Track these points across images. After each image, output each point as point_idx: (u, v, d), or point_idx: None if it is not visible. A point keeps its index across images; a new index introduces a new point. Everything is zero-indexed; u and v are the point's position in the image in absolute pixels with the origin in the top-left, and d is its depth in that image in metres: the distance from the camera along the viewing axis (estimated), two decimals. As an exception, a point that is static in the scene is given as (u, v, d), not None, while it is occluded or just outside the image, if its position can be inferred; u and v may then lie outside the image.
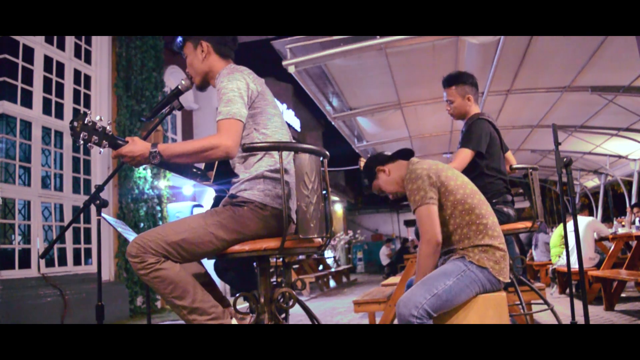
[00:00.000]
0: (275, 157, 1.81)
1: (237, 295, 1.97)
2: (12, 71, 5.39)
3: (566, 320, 2.54)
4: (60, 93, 6.06)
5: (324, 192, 1.79)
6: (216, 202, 2.03)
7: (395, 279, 5.02)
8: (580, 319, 2.31)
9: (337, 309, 6.38)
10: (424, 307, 1.76)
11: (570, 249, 3.41)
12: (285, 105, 15.12)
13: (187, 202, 8.60)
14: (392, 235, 21.57)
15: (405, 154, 2.21)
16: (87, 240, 6.29)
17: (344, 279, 12.41)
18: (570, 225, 4.80)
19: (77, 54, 6.41)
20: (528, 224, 2.64)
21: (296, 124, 16.11)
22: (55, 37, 6.00)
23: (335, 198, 18.57)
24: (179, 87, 1.97)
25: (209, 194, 9.08)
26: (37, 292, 5.06)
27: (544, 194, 16.97)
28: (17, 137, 5.41)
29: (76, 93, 6.33)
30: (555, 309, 2.57)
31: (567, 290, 5.67)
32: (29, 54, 5.61)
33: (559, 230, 6.08)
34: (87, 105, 6.53)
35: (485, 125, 2.71)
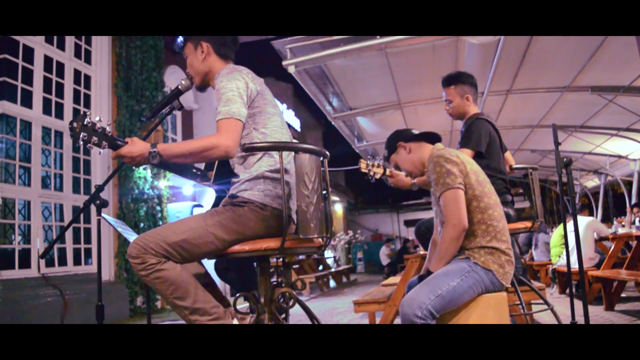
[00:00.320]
0: (275, 157, 1.81)
1: (237, 295, 1.97)
2: (12, 71, 5.39)
3: (566, 320, 2.53)
4: (60, 93, 6.06)
5: (324, 192, 1.79)
6: (217, 203, 2.03)
7: (395, 279, 5.02)
8: (580, 319, 2.31)
9: (337, 309, 6.38)
10: (428, 307, 1.76)
11: (570, 249, 3.41)
12: (285, 105, 15.11)
13: (187, 202, 8.59)
14: (392, 235, 21.55)
15: (431, 138, 2.18)
16: (87, 240, 6.29)
17: (344, 279, 12.40)
18: (570, 225, 4.80)
19: (77, 54, 6.41)
20: (528, 224, 2.64)
21: (296, 124, 16.10)
22: (55, 37, 6.00)
23: (335, 198, 18.57)
24: (179, 87, 1.97)
25: (209, 194, 9.07)
26: (37, 292, 5.06)
27: (544, 194, 16.98)
28: (17, 137, 5.41)
29: (76, 93, 6.33)
30: (555, 309, 2.57)
31: (567, 290, 5.67)
32: (29, 54, 5.61)
33: (559, 230, 6.08)
34: (87, 105, 6.53)
35: (485, 125, 2.71)
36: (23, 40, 5.53)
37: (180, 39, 2.00)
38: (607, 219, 11.54)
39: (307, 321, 2.05)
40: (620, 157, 9.94)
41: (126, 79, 6.83)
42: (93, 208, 2.22)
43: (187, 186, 8.63)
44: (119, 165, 2.00)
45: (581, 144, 9.11)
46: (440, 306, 1.79)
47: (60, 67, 6.09)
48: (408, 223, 22.65)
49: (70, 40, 6.27)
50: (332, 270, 11.62)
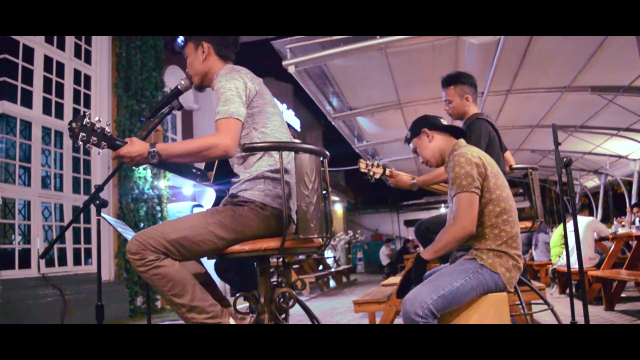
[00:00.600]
0: (275, 156, 1.81)
1: (237, 295, 1.97)
2: (12, 71, 5.39)
3: (566, 320, 2.54)
4: (60, 93, 6.06)
5: (324, 192, 1.79)
6: (217, 203, 2.03)
7: (395, 279, 5.02)
8: (580, 319, 2.31)
9: (337, 309, 6.38)
10: (429, 307, 1.76)
11: (570, 249, 3.41)
12: (285, 105, 15.11)
13: (187, 202, 8.59)
14: (392, 235, 21.56)
15: (456, 132, 2.16)
16: (87, 240, 6.29)
17: (344, 279, 12.41)
18: (570, 225, 4.80)
19: (77, 54, 6.41)
20: (528, 224, 2.64)
21: (296, 124, 16.10)
22: (55, 37, 6.00)
23: (335, 198, 18.57)
24: (179, 87, 1.97)
25: (209, 194, 9.07)
26: (37, 292, 5.06)
27: (544, 194, 16.98)
28: (17, 137, 5.41)
29: (76, 93, 6.33)
30: (555, 309, 2.57)
31: (567, 290, 5.66)
32: (29, 54, 5.61)
33: (559, 230, 6.08)
34: (87, 105, 6.53)
35: (485, 125, 2.71)
36: (23, 40, 5.53)
37: (181, 38, 2.00)
38: (607, 219, 11.55)
39: (307, 321, 2.05)
40: (620, 157, 9.94)
41: (126, 79, 6.83)
42: (93, 208, 2.22)
43: (187, 186, 8.63)
44: (119, 165, 2.00)
45: (581, 144, 9.11)
46: (442, 306, 1.79)
47: (60, 67, 6.09)
48: (408, 223, 22.66)
49: (70, 40, 6.27)
50: (332, 270, 11.62)
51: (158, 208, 7.04)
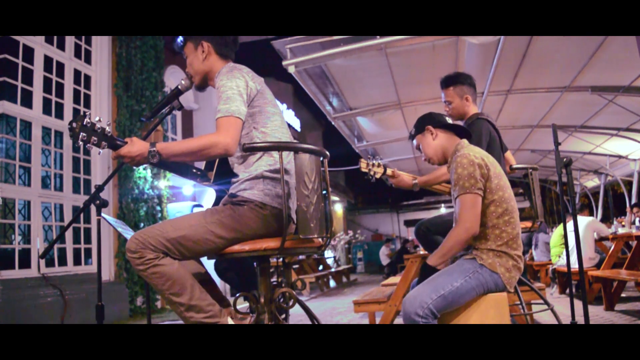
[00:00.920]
0: (275, 156, 1.81)
1: (237, 295, 1.97)
2: (12, 71, 5.39)
3: (566, 320, 2.54)
4: (60, 93, 6.06)
5: (324, 192, 1.79)
6: (217, 202, 2.03)
7: (395, 279, 5.02)
8: (580, 319, 2.31)
9: (337, 309, 6.38)
10: (430, 307, 1.76)
11: (570, 249, 3.41)
12: (285, 105, 15.12)
13: (187, 202, 8.59)
14: (392, 235, 21.55)
15: (461, 132, 2.15)
16: (87, 240, 6.29)
17: (344, 279, 12.40)
18: (570, 225, 4.80)
19: (77, 54, 6.41)
20: (528, 224, 2.64)
21: (296, 124, 16.10)
22: (55, 37, 6.00)
23: (335, 198, 18.57)
24: (179, 87, 1.97)
25: (209, 194, 9.06)
26: (37, 292, 5.06)
27: (544, 194, 16.98)
28: (17, 137, 5.41)
29: (76, 93, 6.33)
30: (555, 309, 2.57)
31: (567, 290, 5.67)
32: (29, 54, 5.61)
33: (559, 230, 6.08)
34: (87, 105, 6.53)
35: (485, 125, 2.70)
36: (23, 40, 5.53)
37: (180, 38, 2.00)
38: (607, 219, 11.54)
39: (307, 321, 2.05)
40: (620, 157, 9.94)
41: (126, 79, 6.83)
42: (93, 208, 2.22)
43: (187, 186, 8.63)
44: (119, 165, 2.00)
45: (581, 144, 9.11)
46: (442, 306, 1.79)
47: (60, 67, 6.09)
48: (408, 223, 22.66)
49: (70, 40, 6.27)
50: (332, 270, 11.61)
51: (158, 208, 7.04)
